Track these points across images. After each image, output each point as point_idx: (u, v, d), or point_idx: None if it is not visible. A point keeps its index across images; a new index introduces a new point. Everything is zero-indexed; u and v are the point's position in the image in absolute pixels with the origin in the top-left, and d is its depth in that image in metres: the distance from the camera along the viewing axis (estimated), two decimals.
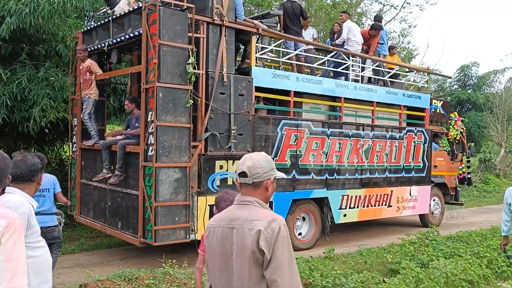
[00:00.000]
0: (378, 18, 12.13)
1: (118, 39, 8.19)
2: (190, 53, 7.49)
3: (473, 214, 15.55)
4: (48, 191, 6.40)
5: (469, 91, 35.94)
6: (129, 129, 8.62)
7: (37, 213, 3.61)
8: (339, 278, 6.46)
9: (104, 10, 9.01)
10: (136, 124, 8.33)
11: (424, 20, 66.31)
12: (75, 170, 9.51)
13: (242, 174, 2.61)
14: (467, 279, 6.81)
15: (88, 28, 9.41)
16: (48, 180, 6.59)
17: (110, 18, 8.38)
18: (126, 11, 8.10)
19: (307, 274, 6.50)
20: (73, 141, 9.70)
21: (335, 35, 11.59)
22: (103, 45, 8.61)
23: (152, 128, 7.27)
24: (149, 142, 7.37)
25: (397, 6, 24.41)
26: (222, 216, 2.68)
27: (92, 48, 9.00)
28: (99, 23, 8.90)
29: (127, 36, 7.98)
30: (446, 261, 7.24)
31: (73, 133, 9.66)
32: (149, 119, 7.38)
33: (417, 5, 36.68)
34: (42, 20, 9.21)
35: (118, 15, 8.28)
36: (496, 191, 22.93)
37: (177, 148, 7.42)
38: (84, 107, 8.89)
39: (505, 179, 26.77)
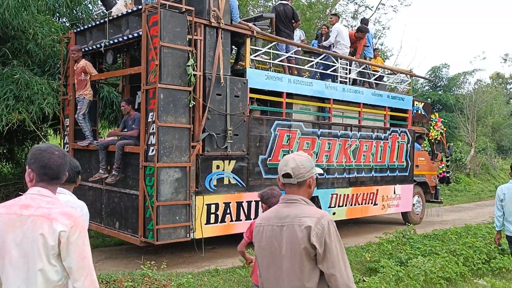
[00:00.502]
0: (364, 21, 12.42)
1: (116, 40, 8.23)
2: (190, 55, 7.62)
3: (446, 213, 15.91)
4: None
5: (440, 92, 36.56)
6: (125, 130, 8.67)
7: None
8: None
9: (100, 10, 9.02)
10: (133, 126, 8.40)
11: (397, 21, 67.54)
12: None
13: (287, 175, 2.75)
14: (445, 276, 7.03)
15: (81, 28, 9.40)
16: None
17: (106, 19, 8.41)
18: (124, 13, 8.15)
19: None
20: (65, 142, 9.68)
21: (323, 37, 11.85)
22: (98, 45, 8.63)
23: (153, 129, 7.36)
24: (149, 143, 7.46)
25: (372, 7, 24.79)
26: (269, 215, 2.84)
27: (86, 49, 9.01)
28: (93, 24, 8.92)
29: (125, 37, 8.04)
30: (424, 259, 7.42)
31: (65, 133, 9.64)
32: (149, 120, 7.47)
33: (391, 6, 37.25)
34: (8, 15, 8.89)
35: (115, 16, 8.33)
36: (466, 190, 23.54)
37: (177, 148, 7.53)
38: (78, 107, 8.90)
39: (475, 178, 27.46)
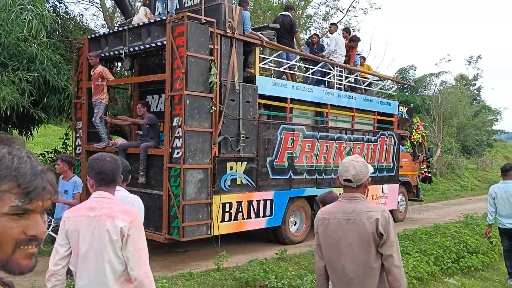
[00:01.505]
0: (347, 30, 13.13)
1: (137, 48, 8.68)
2: (212, 64, 8.16)
3: (414, 212, 16.44)
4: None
5: (407, 93, 37.66)
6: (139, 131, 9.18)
7: None
8: (294, 279, 6.63)
9: (120, 20, 9.43)
10: (147, 126, 8.91)
11: (367, 24, 69.16)
12: (80, 172, 9.84)
13: (347, 180, 3.31)
14: (417, 276, 7.19)
15: (95, 35, 9.78)
16: (74, 181, 6.92)
17: (126, 27, 8.84)
18: (146, 22, 8.61)
19: (262, 276, 6.65)
20: (77, 143, 10.03)
21: (314, 46, 12.51)
22: (117, 52, 9.06)
23: (178, 133, 7.87)
24: (174, 145, 7.96)
25: (343, 9, 25.51)
26: (333, 210, 3.40)
27: (102, 55, 9.41)
28: (110, 31, 9.32)
29: (146, 46, 8.50)
30: None
31: (77, 135, 10.00)
32: (175, 124, 7.97)
33: (361, 9, 38.03)
34: None
35: (135, 25, 8.77)
36: (433, 190, 24.29)
37: (201, 151, 8.07)
38: (95, 111, 9.29)
39: (441, 178, 28.51)
